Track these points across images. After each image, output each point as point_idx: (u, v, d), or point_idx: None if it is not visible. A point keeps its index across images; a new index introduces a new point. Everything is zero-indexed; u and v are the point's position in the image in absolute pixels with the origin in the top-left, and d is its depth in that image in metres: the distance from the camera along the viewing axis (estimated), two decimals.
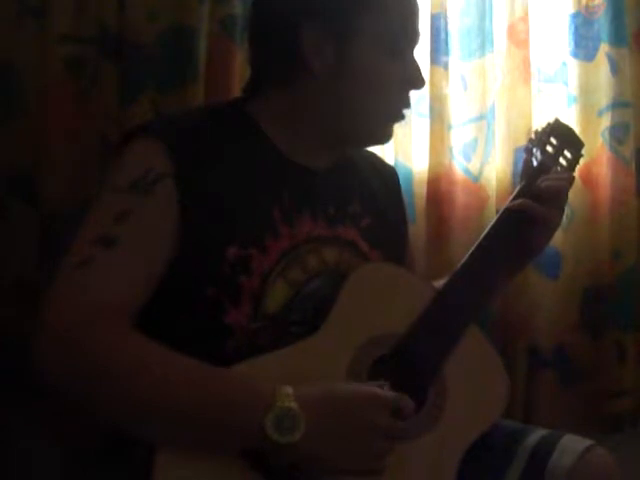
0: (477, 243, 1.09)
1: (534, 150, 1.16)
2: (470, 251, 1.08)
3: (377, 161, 1.23)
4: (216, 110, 1.10)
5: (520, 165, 1.18)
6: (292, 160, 1.05)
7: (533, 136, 1.18)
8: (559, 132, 1.18)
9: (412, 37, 1.07)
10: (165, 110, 1.27)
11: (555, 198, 1.09)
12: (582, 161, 1.51)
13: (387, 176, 1.22)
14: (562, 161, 1.18)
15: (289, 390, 0.85)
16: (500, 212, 1.11)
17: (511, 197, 1.13)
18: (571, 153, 1.18)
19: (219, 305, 0.96)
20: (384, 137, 1.11)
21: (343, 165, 1.12)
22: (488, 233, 1.09)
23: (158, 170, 0.95)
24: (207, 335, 0.96)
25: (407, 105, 1.09)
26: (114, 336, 0.88)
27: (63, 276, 0.91)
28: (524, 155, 1.17)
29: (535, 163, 1.15)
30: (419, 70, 1.07)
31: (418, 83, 1.07)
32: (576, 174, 1.20)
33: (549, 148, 1.17)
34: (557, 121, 1.19)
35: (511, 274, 1.15)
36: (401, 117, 1.09)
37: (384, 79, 1.04)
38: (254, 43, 1.08)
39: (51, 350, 0.87)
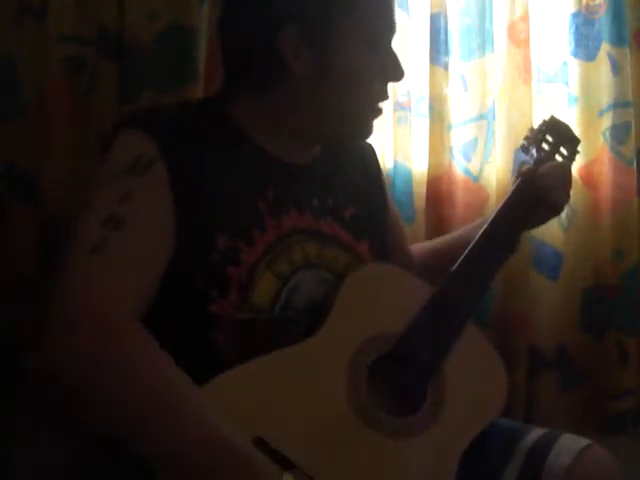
0: (478, 235, 1.10)
1: (530, 148, 1.17)
2: (469, 247, 1.09)
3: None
4: (196, 106, 1.11)
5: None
6: (275, 157, 1.06)
7: (529, 134, 1.19)
8: (555, 129, 1.19)
9: (389, 28, 1.06)
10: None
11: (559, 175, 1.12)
12: (583, 161, 1.52)
13: (366, 158, 1.21)
14: (558, 158, 1.19)
15: None
16: (510, 191, 1.13)
17: (508, 195, 1.14)
18: (567, 150, 1.19)
19: (206, 294, 0.96)
20: (366, 133, 1.09)
21: (326, 156, 1.12)
22: (494, 218, 1.11)
23: (149, 155, 0.95)
24: (193, 324, 0.96)
25: (385, 97, 1.08)
26: (134, 335, 0.85)
27: (76, 262, 0.88)
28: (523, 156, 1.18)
29: (531, 161, 1.15)
30: (398, 61, 1.06)
31: (397, 74, 1.06)
32: (576, 174, 1.20)
33: (545, 145, 1.18)
34: (553, 118, 1.20)
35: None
36: (380, 111, 1.08)
37: (365, 75, 1.03)
38: (232, 45, 1.07)
39: (74, 343, 0.81)
